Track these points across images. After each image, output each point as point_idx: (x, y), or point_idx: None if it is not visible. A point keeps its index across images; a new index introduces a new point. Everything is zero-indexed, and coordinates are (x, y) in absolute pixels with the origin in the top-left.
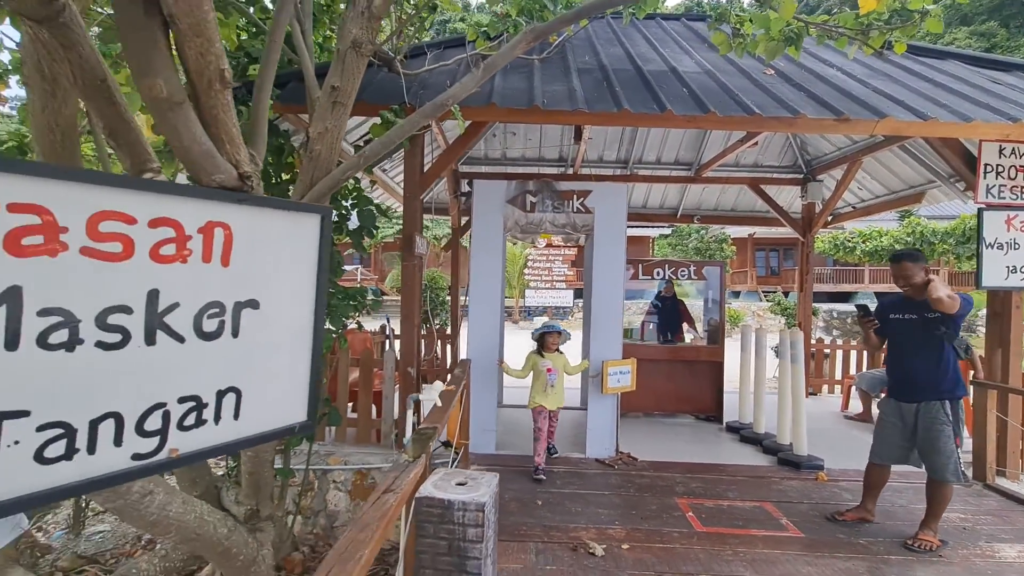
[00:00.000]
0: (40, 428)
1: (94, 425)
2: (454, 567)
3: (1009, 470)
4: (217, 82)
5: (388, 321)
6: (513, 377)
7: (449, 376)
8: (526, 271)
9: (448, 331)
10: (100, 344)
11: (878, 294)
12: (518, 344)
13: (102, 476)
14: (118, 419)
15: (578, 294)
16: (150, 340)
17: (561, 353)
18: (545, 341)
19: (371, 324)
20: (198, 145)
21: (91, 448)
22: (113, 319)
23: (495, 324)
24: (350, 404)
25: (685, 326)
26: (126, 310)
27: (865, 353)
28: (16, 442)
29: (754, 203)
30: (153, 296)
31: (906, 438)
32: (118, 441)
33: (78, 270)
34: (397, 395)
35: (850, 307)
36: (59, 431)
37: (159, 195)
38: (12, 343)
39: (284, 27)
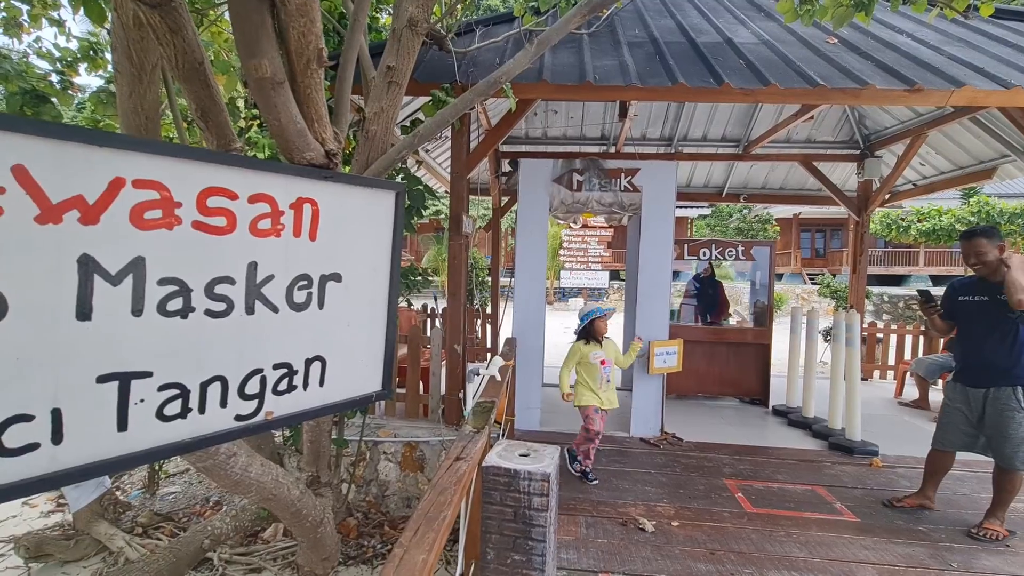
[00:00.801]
0: (160, 388)
1: (204, 387)
2: (520, 533)
3: None
4: (314, 61)
5: (436, 300)
6: (566, 385)
7: (489, 355)
8: (561, 252)
9: (488, 310)
10: (208, 312)
11: (933, 277)
12: (552, 327)
13: (210, 434)
14: (224, 382)
15: (614, 275)
16: (250, 310)
17: (611, 340)
18: (595, 327)
19: (416, 303)
20: (294, 124)
21: (202, 408)
22: (219, 289)
23: (539, 303)
24: (397, 379)
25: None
26: (230, 281)
27: (921, 338)
28: (142, 400)
29: (805, 181)
30: (252, 268)
31: (972, 425)
32: (224, 403)
33: (190, 242)
34: (443, 372)
35: (902, 291)
36: (176, 391)
37: (257, 172)
38: (138, 310)
39: (367, 8)
